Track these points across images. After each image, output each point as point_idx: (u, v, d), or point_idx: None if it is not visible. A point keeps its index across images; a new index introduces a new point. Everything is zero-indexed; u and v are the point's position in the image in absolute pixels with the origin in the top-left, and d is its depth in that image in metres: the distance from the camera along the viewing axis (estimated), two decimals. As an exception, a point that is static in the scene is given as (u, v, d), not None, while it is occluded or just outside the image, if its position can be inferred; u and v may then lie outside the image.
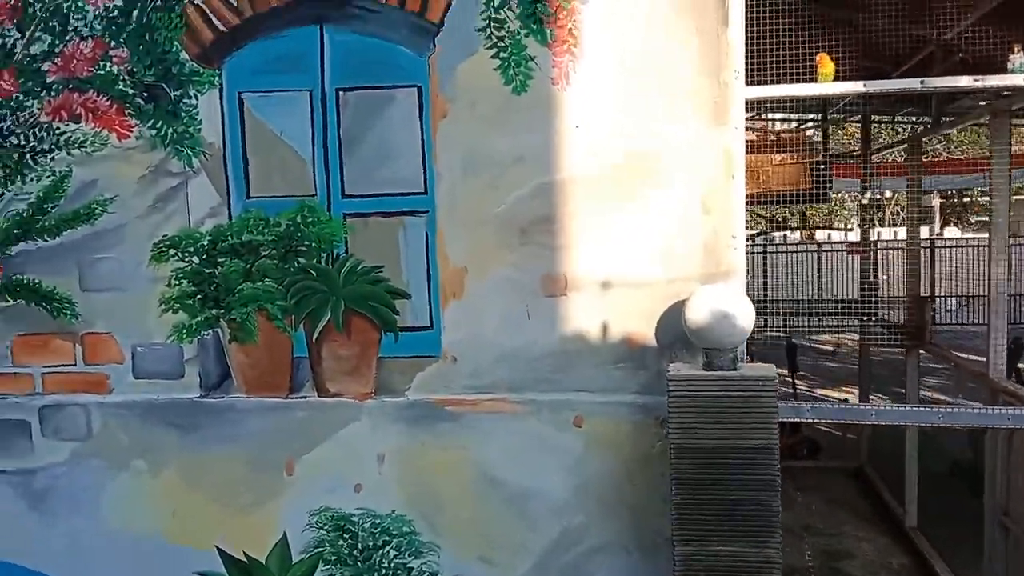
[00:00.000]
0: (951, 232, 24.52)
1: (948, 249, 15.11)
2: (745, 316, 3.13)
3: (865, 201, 6.78)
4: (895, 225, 22.51)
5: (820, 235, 25.00)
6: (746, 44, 3.36)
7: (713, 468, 3.14)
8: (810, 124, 5.63)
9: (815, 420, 3.46)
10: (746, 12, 3.35)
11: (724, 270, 3.41)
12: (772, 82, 3.47)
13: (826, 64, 3.64)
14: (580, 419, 3.56)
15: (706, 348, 3.21)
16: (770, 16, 3.45)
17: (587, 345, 3.55)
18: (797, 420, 4.73)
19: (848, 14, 4.38)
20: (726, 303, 3.13)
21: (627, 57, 3.43)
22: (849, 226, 26.05)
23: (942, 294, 13.97)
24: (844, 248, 15.29)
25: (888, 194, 21.02)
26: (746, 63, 3.35)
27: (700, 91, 3.40)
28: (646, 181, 3.45)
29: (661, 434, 3.51)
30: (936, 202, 24.16)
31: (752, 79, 3.43)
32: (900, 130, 7.69)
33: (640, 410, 3.52)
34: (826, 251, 16.11)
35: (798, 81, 3.44)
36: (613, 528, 3.59)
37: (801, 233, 24.67)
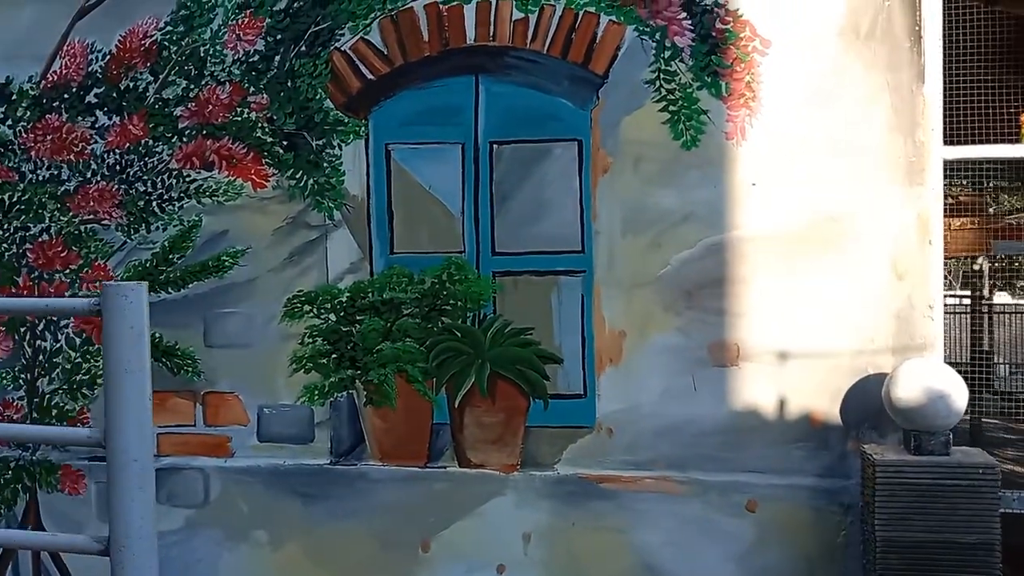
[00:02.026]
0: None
1: None
2: (961, 396, 2.75)
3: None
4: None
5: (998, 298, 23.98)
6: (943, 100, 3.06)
7: (925, 565, 2.73)
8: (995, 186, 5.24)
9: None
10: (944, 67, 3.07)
11: (919, 343, 3.04)
12: (965, 141, 3.17)
13: None
14: (753, 503, 3.16)
15: (914, 430, 2.83)
16: (967, 71, 3.17)
17: (761, 421, 3.18)
18: None
19: None
20: (940, 381, 2.75)
21: (810, 112, 3.13)
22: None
23: None
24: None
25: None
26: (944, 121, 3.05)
27: (892, 150, 3.08)
28: (830, 243, 3.12)
29: (846, 523, 3.10)
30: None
31: (946, 139, 3.12)
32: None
33: (822, 495, 3.12)
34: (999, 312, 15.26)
35: (994, 141, 3.14)
36: (784, 625, 3.17)
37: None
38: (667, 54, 3.23)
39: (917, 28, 3.07)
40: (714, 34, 3.20)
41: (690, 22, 3.21)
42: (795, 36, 3.14)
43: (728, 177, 3.20)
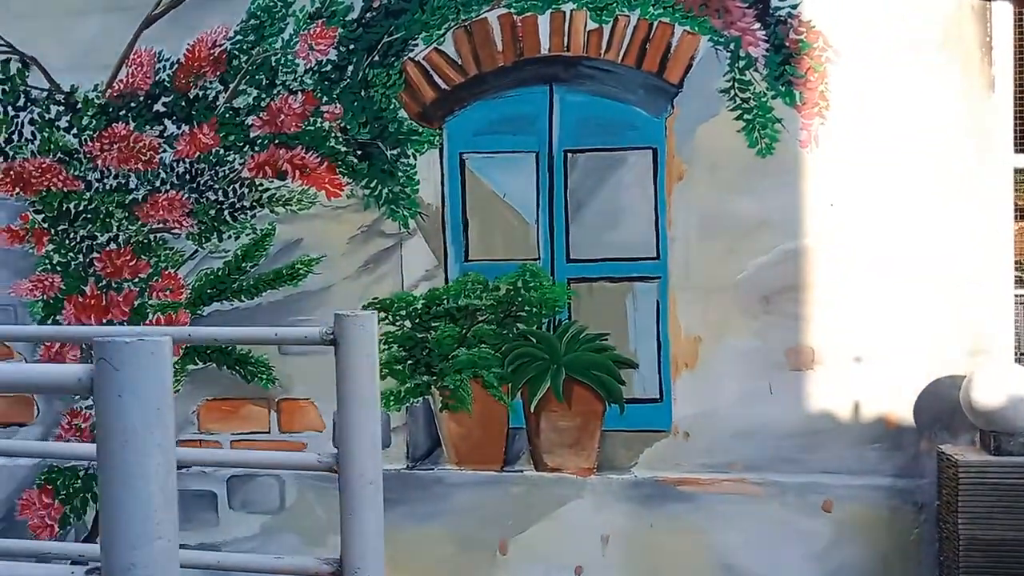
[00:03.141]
0: None
1: None
2: (1042, 397, 2.84)
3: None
4: None
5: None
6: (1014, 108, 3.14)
7: (1009, 561, 2.80)
8: None
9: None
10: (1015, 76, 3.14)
11: (991, 345, 3.12)
12: (1033, 149, 3.24)
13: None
14: (829, 503, 3.23)
15: (993, 432, 2.90)
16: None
17: (836, 423, 3.24)
18: None
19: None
20: (1021, 384, 2.84)
21: (882, 120, 3.19)
22: None
23: None
24: None
25: None
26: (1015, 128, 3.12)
27: (963, 157, 3.15)
28: (904, 249, 3.19)
29: (920, 521, 3.18)
30: None
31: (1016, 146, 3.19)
32: None
33: (897, 495, 3.18)
34: None
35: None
36: (858, 620, 3.24)
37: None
38: (741, 64, 3.28)
39: (988, 38, 3.14)
40: (788, 44, 3.26)
41: (764, 33, 3.27)
42: (868, 46, 3.20)
43: (803, 184, 3.25)
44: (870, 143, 3.21)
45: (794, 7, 3.23)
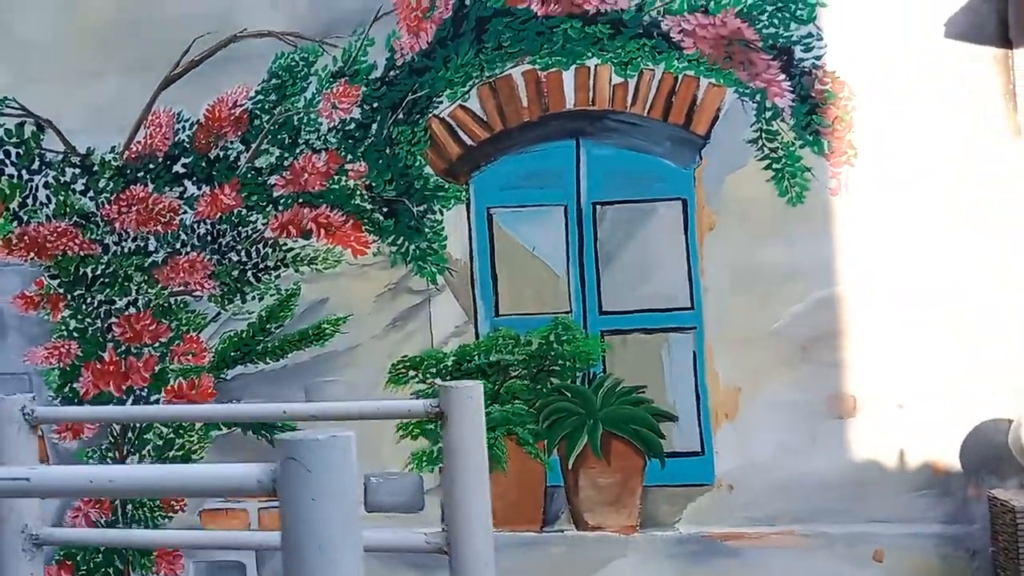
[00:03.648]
0: None
1: None
2: (1093, 440, 2.82)
3: None
4: None
5: None
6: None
7: (1071, 611, 2.76)
8: None
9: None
10: (1040, 121, 3.18)
11: (1035, 388, 3.12)
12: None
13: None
14: (880, 553, 3.16)
15: (1046, 475, 2.88)
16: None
17: (882, 471, 3.19)
18: None
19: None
20: (1072, 426, 2.82)
21: (912, 167, 3.20)
22: None
23: None
24: None
25: None
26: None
27: (1002, 201, 3.17)
28: (941, 291, 3.18)
29: (972, 568, 3.12)
30: None
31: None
32: None
33: (948, 542, 3.13)
34: None
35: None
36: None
37: None
38: (768, 114, 3.30)
39: (1011, 86, 3.18)
40: (813, 95, 3.29)
41: (789, 84, 3.30)
42: (893, 95, 3.23)
43: (835, 231, 3.26)
44: (900, 189, 3.22)
45: (818, 58, 3.27)
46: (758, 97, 3.31)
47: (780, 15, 3.30)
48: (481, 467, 1.38)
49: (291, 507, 0.85)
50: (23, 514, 1.73)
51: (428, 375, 3.46)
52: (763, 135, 3.30)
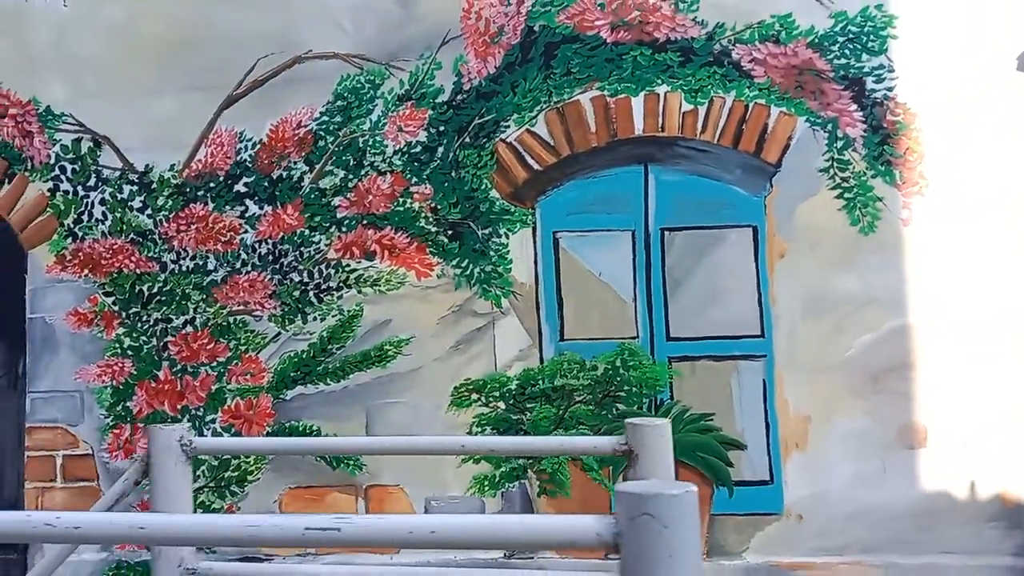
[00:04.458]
0: None
1: None
2: None
3: None
4: None
5: None
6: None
7: None
8: None
9: None
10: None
11: (1108, 421, 3.12)
12: None
13: None
14: (951, 585, 3.17)
15: None
16: None
17: (952, 502, 3.18)
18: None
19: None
20: None
21: (983, 197, 3.24)
22: None
23: None
24: None
25: None
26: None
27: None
28: (1011, 321, 3.19)
29: (1046, 603, 3.12)
30: None
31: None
32: None
33: (1017, 574, 3.13)
34: None
35: None
36: None
37: None
38: (840, 144, 3.32)
39: (1082, 118, 3.22)
40: (885, 125, 3.31)
41: (861, 114, 3.32)
42: (963, 126, 3.26)
43: (906, 261, 3.27)
44: (969, 220, 3.24)
45: (890, 89, 3.30)
46: (829, 127, 3.33)
47: (851, 46, 3.33)
48: None
49: (643, 563, 0.82)
50: (178, 549, 1.70)
51: (491, 399, 3.44)
52: (835, 164, 3.31)
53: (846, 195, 3.30)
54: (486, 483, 3.41)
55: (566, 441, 1.79)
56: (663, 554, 0.80)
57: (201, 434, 3.62)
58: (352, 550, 3.43)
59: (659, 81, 3.41)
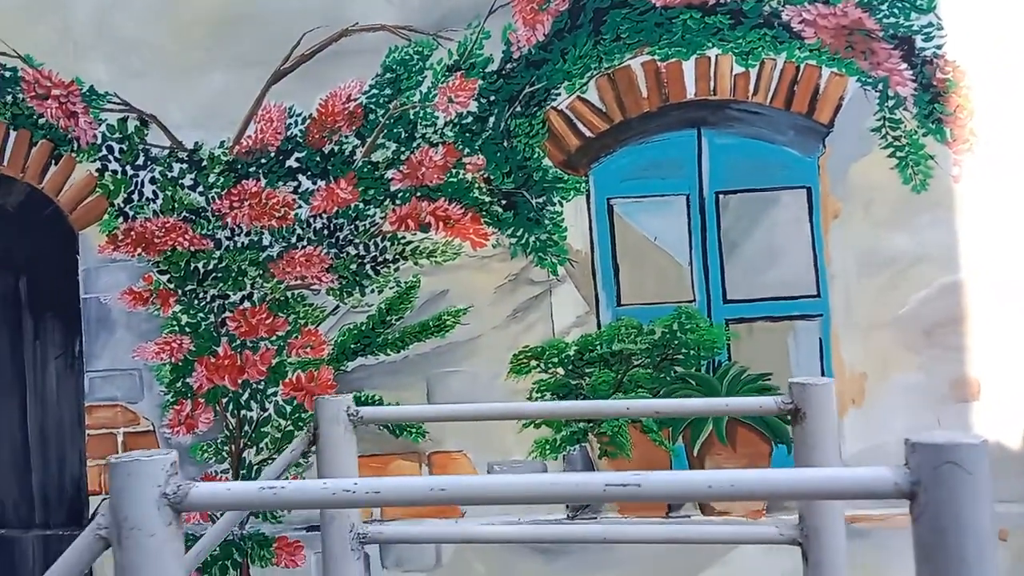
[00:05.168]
0: None
1: None
2: None
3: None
4: None
5: None
6: None
7: None
8: None
9: None
10: None
11: None
12: None
13: None
14: (1005, 532, 3.26)
15: None
16: None
17: (1006, 453, 3.28)
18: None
19: None
20: None
21: (1034, 154, 3.31)
22: None
23: None
24: None
25: None
26: None
27: (1119, 187, 3.27)
28: (1065, 279, 3.28)
29: (1100, 546, 3.23)
30: None
31: None
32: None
33: (1074, 521, 3.25)
34: None
35: None
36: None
37: None
38: (891, 103, 3.37)
39: None
40: (935, 84, 3.35)
41: (911, 73, 3.36)
42: (1015, 83, 3.30)
43: (958, 218, 3.33)
44: (1022, 174, 3.30)
45: (939, 47, 3.34)
46: (880, 86, 3.38)
47: (900, 4, 3.36)
48: (834, 461, 1.43)
49: (950, 507, 0.89)
50: (350, 514, 1.77)
51: (550, 365, 3.52)
52: (886, 123, 3.36)
53: (898, 154, 3.36)
54: (547, 447, 3.50)
55: (731, 401, 1.86)
56: (968, 498, 0.88)
57: (263, 408, 3.71)
58: (414, 511, 3.52)
59: (710, 44, 3.44)
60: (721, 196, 3.47)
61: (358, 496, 1.03)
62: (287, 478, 3.46)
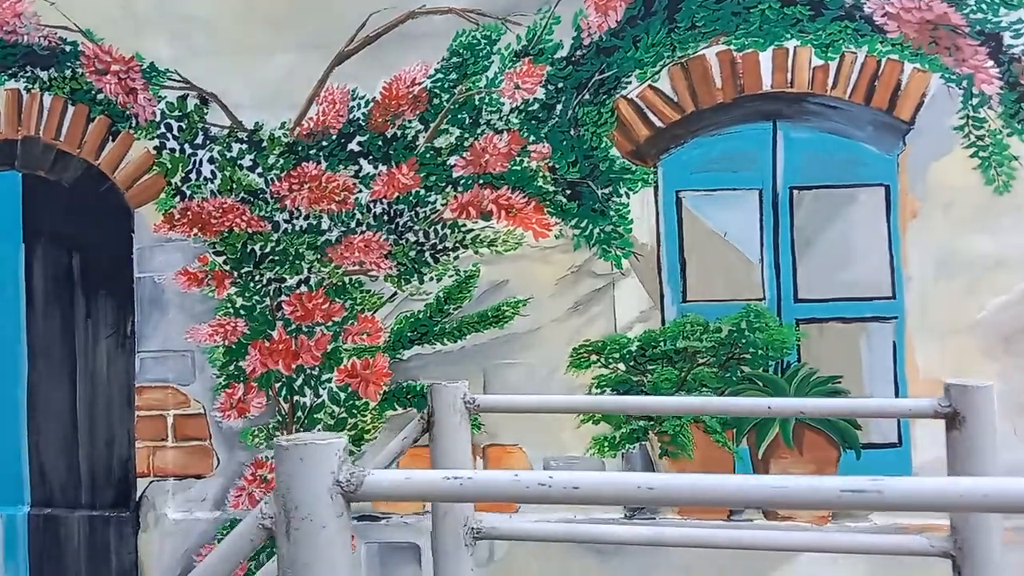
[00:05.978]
0: None
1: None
2: None
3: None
4: None
5: None
6: None
7: None
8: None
9: None
10: None
11: None
12: None
13: None
14: (1088, 549, 3.17)
15: None
16: None
17: (1088, 466, 3.20)
18: None
19: None
20: None
21: None
22: None
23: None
24: None
25: None
26: None
27: None
28: None
29: None
30: None
31: None
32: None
33: None
34: None
35: None
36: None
37: None
38: (975, 101, 3.27)
39: None
40: (1022, 82, 3.26)
41: (997, 70, 3.27)
42: (1105, 83, 3.21)
43: (1043, 222, 3.24)
44: (1112, 180, 3.20)
45: (1029, 44, 3.24)
46: (965, 83, 3.28)
47: (988, 0, 3.27)
48: (994, 470, 1.36)
49: None
50: (464, 508, 1.73)
51: (611, 360, 3.45)
52: (970, 122, 3.27)
53: (981, 154, 3.26)
54: (606, 444, 3.44)
55: (885, 403, 1.78)
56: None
57: (317, 394, 3.67)
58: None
59: (788, 36, 3.36)
60: (795, 192, 3.39)
61: (554, 491, 0.96)
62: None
